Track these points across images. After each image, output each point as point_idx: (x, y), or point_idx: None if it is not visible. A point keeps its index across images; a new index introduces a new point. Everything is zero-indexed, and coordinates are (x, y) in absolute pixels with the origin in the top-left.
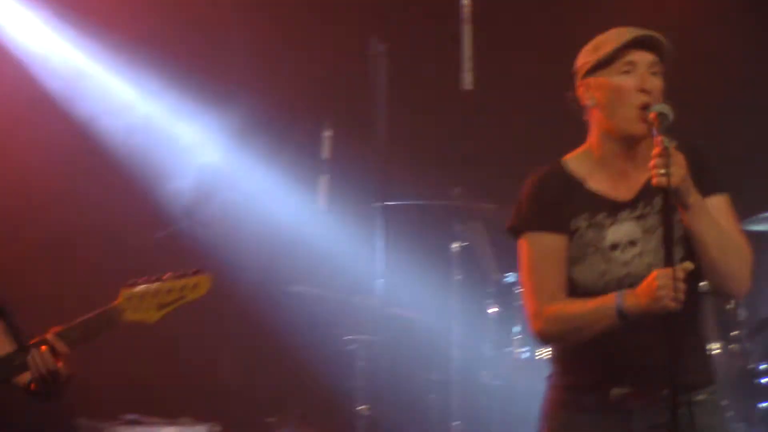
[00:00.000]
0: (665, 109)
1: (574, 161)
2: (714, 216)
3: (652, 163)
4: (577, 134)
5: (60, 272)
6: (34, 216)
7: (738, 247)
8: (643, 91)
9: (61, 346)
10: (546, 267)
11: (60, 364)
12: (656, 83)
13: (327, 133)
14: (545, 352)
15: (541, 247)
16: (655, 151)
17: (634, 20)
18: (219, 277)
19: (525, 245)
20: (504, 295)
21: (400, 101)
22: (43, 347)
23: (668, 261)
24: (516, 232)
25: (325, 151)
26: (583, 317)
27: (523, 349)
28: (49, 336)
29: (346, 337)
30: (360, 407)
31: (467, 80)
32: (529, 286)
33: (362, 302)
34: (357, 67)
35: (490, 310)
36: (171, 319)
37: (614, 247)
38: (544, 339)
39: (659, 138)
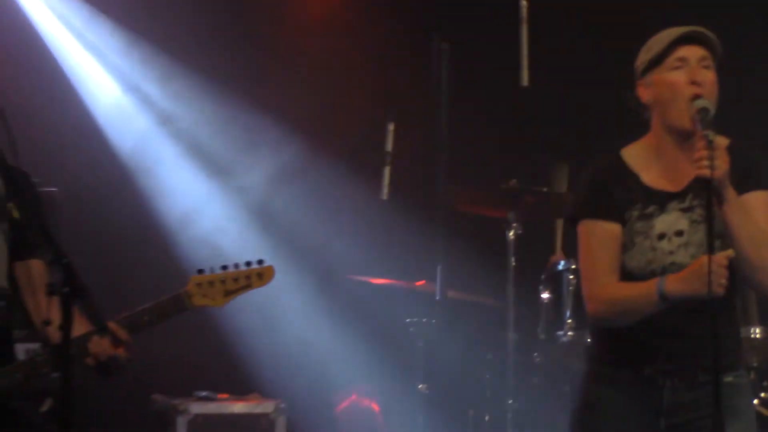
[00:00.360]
0: (706, 104)
1: (632, 154)
2: (749, 212)
3: (696, 155)
4: (627, 129)
5: (131, 262)
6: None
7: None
8: (694, 83)
9: (122, 334)
10: (601, 253)
11: (120, 350)
12: (708, 75)
13: (390, 126)
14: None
15: (598, 234)
16: (700, 144)
17: (688, 18)
18: (287, 264)
19: (583, 232)
20: (556, 281)
21: (461, 96)
22: (104, 335)
23: (710, 249)
24: (574, 219)
25: (388, 144)
26: (631, 301)
27: (573, 333)
28: (111, 324)
29: (407, 320)
30: (420, 386)
31: (524, 77)
32: (586, 270)
33: (423, 287)
34: (420, 63)
35: (543, 296)
36: (240, 305)
37: (661, 236)
38: (597, 320)
39: (702, 132)
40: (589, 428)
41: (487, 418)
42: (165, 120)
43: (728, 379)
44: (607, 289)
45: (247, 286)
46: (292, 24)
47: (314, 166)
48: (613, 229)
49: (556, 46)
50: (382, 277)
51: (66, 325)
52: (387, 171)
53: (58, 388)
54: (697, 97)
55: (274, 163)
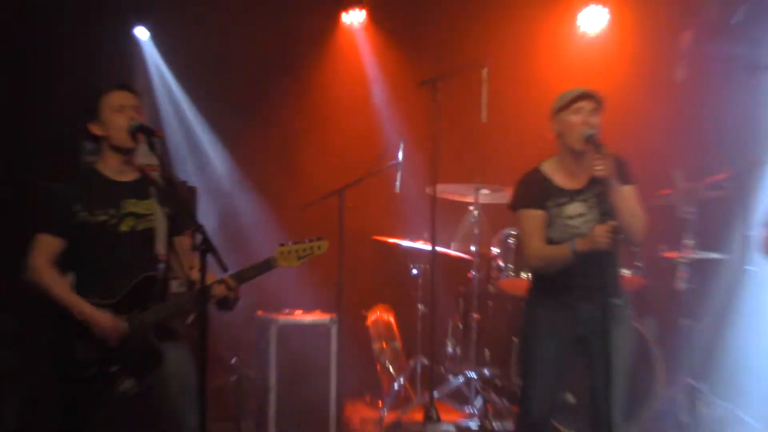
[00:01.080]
0: (594, 132)
1: (546, 166)
2: (626, 197)
3: (594, 163)
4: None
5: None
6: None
7: (639, 215)
8: (586, 124)
9: (233, 283)
10: (533, 229)
11: (231, 293)
12: (596, 119)
13: (402, 143)
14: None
15: (530, 217)
16: (595, 156)
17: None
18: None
19: (520, 217)
20: (504, 243)
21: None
22: (222, 285)
23: (602, 222)
24: (514, 208)
25: (400, 155)
26: (555, 257)
27: (513, 274)
28: (226, 277)
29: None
30: (419, 305)
31: (484, 115)
32: (525, 240)
33: (422, 245)
34: (420, 107)
35: (494, 250)
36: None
37: (570, 217)
38: (535, 269)
39: (596, 148)
40: (532, 336)
41: (461, 325)
42: None
43: (616, 301)
44: (539, 250)
45: (312, 254)
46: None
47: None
48: (538, 214)
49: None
50: (395, 237)
51: (203, 269)
52: (399, 174)
53: (198, 311)
54: (588, 133)
55: None
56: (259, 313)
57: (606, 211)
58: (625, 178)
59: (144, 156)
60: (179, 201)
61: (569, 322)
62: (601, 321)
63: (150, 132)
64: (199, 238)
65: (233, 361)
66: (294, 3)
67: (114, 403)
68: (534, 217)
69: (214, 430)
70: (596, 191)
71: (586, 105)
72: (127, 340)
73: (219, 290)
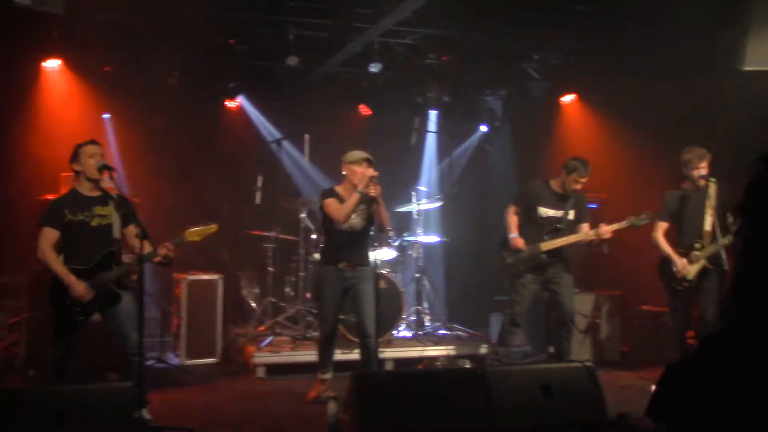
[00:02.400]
0: (375, 174)
1: (340, 188)
2: (384, 205)
3: (368, 187)
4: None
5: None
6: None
7: (386, 219)
8: (368, 173)
9: (171, 246)
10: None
11: (171, 252)
12: (371, 170)
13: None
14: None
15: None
16: (370, 184)
17: None
18: None
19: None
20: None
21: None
22: (164, 248)
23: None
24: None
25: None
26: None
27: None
28: (167, 243)
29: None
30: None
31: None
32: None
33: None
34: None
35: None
36: None
37: (353, 219)
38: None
39: (372, 179)
40: (322, 290)
41: (294, 278)
42: None
43: (365, 268)
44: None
45: (207, 232)
46: None
47: None
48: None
49: None
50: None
51: (141, 247)
52: (258, 193)
53: (139, 272)
54: (372, 175)
55: None
56: (174, 274)
57: (371, 215)
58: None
59: (106, 182)
60: (126, 207)
61: (340, 280)
62: (357, 278)
63: (110, 169)
64: (138, 229)
65: (161, 302)
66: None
67: (85, 328)
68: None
69: (149, 341)
70: (367, 201)
71: (366, 159)
72: (98, 291)
73: (163, 251)
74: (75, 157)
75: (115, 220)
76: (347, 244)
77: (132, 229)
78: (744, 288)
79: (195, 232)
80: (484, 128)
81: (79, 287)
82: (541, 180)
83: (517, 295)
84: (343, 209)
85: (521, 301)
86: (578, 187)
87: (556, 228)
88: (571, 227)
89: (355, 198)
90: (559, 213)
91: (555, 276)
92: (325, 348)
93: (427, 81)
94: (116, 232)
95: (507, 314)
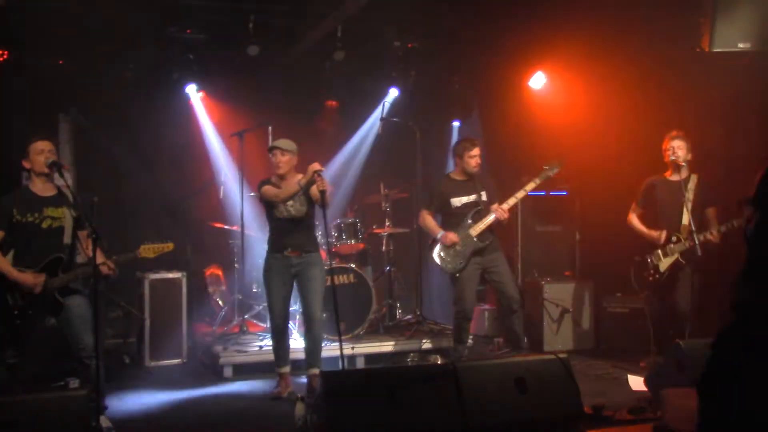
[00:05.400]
0: (320, 168)
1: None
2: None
3: (318, 180)
4: None
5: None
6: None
7: (329, 203)
8: (279, 164)
9: (112, 265)
10: None
11: (111, 272)
12: (316, 164)
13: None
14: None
15: None
16: (317, 178)
17: None
18: None
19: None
20: None
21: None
22: (105, 266)
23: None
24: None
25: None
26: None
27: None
28: (110, 261)
29: None
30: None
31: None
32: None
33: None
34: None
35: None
36: None
37: (291, 207)
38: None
39: (317, 173)
40: (269, 279)
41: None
42: None
43: (311, 253)
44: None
45: (163, 251)
46: None
47: None
48: None
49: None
50: (221, 224)
51: (94, 251)
52: (222, 188)
53: (92, 279)
54: (317, 170)
55: None
56: (138, 273)
57: (310, 199)
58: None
59: (57, 179)
60: (80, 210)
61: (287, 267)
62: (302, 266)
63: (60, 166)
64: (91, 232)
65: (122, 303)
66: None
67: (39, 334)
68: None
69: (110, 345)
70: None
71: (278, 151)
72: (40, 296)
73: (104, 270)
74: (27, 155)
75: (68, 223)
76: (291, 230)
77: (84, 234)
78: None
79: (149, 249)
80: (456, 123)
81: (27, 278)
82: (441, 178)
83: (462, 291)
84: (282, 193)
85: (466, 296)
86: (475, 162)
87: (476, 211)
88: (487, 208)
89: (293, 189)
90: (472, 197)
91: (491, 263)
92: (278, 340)
93: (393, 68)
94: (68, 237)
95: (457, 312)
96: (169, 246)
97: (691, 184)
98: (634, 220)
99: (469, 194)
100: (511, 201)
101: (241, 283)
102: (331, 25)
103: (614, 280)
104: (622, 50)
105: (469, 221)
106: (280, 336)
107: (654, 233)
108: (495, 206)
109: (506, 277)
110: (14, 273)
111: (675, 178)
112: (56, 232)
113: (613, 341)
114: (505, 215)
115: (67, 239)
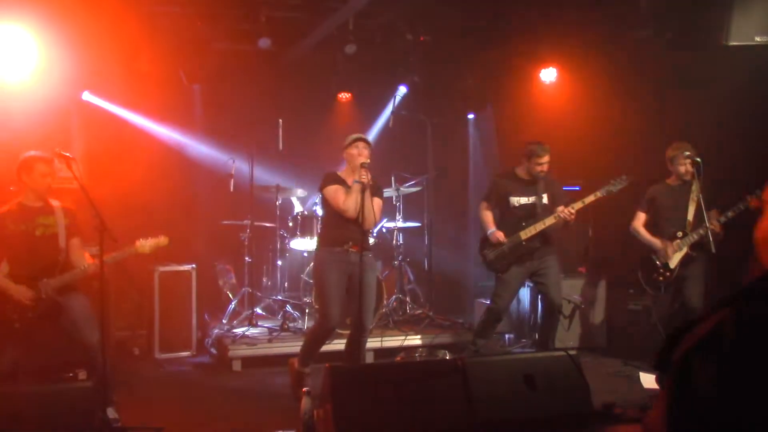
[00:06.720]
0: (367, 161)
1: (343, 172)
2: (369, 198)
3: (361, 171)
4: None
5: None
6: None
7: (371, 218)
8: (361, 155)
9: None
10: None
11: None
12: (366, 152)
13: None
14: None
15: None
16: (362, 170)
17: None
18: None
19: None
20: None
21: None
22: (92, 267)
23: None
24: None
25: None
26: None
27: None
28: (105, 257)
29: None
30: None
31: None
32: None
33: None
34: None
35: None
36: None
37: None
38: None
39: (364, 165)
40: (322, 273)
41: (270, 267)
42: None
43: (369, 254)
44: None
45: (158, 246)
46: None
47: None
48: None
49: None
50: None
51: (101, 251)
52: (232, 181)
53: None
54: (363, 162)
55: None
56: (147, 265)
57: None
58: (378, 193)
59: (65, 172)
60: (70, 218)
61: (345, 262)
62: (364, 263)
63: (70, 158)
64: (99, 224)
65: (133, 294)
66: None
67: (41, 335)
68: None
69: (121, 336)
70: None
71: (361, 143)
72: (39, 299)
73: (90, 270)
74: (27, 171)
75: (61, 230)
76: (351, 225)
77: (75, 242)
78: None
79: (146, 245)
80: (471, 116)
81: (19, 289)
82: (507, 171)
83: (501, 290)
84: (348, 201)
85: (505, 296)
86: (541, 168)
87: (533, 214)
88: (548, 211)
89: (356, 189)
90: (531, 199)
91: (541, 266)
92: (318, 342)
93: (405, 61)
94: (62, 241)
95: (490, 309)
96: (165, 241)
97: (695, 186)
98: (639, 227)
99: (529, 196)
100: (578, 205)
101: (250, 275)
102: (343, 18)
103: (628, 277)
104: (633, 44)
105: (524, 224)
106: (325, 338)
107: (658, 241)
108: (561, 207)
109: (551, 281)
110: (10, 286)
111: (677, 183)
112: (50, 238)
113: (626, 338)
114: (571, 217)
115: (62, 243)
